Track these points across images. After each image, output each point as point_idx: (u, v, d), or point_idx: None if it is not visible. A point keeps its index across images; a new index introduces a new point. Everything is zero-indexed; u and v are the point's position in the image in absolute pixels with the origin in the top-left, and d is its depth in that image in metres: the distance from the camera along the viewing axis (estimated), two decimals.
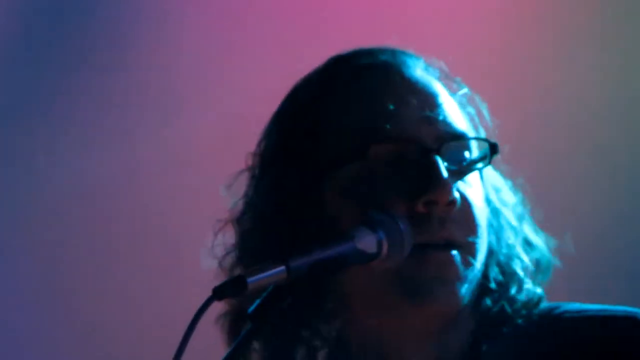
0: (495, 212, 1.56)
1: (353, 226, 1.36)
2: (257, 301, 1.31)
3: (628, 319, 1.46)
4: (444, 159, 1.46)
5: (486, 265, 1.50)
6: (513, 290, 1.51)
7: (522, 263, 1.54)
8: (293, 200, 1.50)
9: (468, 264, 1.45)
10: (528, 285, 1.52)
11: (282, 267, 1.29)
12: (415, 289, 1.42)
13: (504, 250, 1.53)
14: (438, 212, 1.43)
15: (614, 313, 1.48)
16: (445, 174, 1.44)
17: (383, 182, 1.46)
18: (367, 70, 1.55)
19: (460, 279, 1.44)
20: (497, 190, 1.59)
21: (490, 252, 1.51)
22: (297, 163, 1.52)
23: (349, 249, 1.33)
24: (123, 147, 3.64)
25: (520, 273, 1.52)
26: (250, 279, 1.28)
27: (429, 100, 1.50)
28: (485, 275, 1.51)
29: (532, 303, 1.52)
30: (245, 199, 1.58)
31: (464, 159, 1.50)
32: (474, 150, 1.52)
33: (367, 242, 1.35)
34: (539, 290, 1.54)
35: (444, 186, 1.43)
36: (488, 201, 1.55)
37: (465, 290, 1.45)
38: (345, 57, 1.59)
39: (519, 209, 1.59)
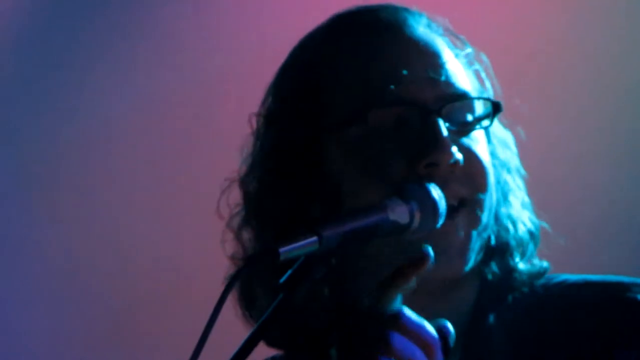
0: (502, 170, 1.55)
1: (386, 196, 1.35)
2: (289, 271, 1.31)
3: (631, 283, 1.47)
4: (445, 120, 1.45)
5: (492, 225, 1.50)
6: (517, 258, 1.51)
7: (526, 227, 1.53)
8: (296, 159, 1.50)
9: (476, 221, 1.45)
10: (531, 251, 1.53)
11: (315, 238, 1.27)
12: (441, 254, 1.41)
13: (510, 212, 1.53)
14: (440, 173, 1.42)
15: (617, 279, 1.49)
16: (445, 134, 1.42)
17: (385, 145, 1.45)
18: (369, 29, 1.53)
19: (463, 247, 1.44)
20: (504, 147, 1.58)
21: (497, 213, 1.51)
22: (300, 122, 1.51)
23: (382, 219, 1.32)
24: None
25: (525, 238, 1.52)
26: (282, 249, 1.27)
27: (431, 60, 1.49)
28: (490, 235, 1.50)
29: (537, 273, 1.52)
30: (249, 159, 1.58)
31: (466, 118, 1.48)
32: (478, 109, 1.50)
33: (399, 212, 1.33)
34: (544, 263, 1.54)
35: (444, 147, 1.42)
36: (495, 158, 1.54)
37: (468, 257, 1.45)
38: (347, 15, 1.57)
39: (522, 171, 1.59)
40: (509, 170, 1.56)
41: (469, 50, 1.56)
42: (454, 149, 1.43)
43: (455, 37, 1.56)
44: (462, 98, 1.48)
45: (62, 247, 3.62)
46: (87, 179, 3.45)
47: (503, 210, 1.51)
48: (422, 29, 1.53)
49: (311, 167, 1.49)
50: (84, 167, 3.47)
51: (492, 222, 1.49)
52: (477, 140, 1.48)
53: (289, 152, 1.50)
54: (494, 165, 1.51)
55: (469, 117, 1.49)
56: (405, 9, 1.55)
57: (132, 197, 3.54)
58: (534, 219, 1.56)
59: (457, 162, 1.43)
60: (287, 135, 1.51)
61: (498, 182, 1.51)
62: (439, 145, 1.42)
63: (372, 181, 1.45)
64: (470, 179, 1.45)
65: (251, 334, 1.30)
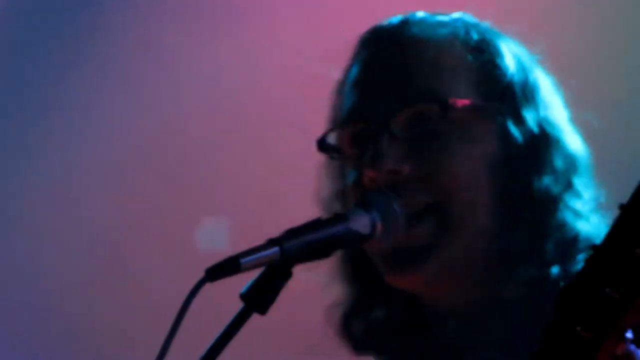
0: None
1: (347, 207, 1.35)
2: (250, 282, 1.31)
3: None
4: (399, 129, 1.42)
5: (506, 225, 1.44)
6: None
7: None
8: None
9: (449, 226, 1.42)
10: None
11: (276, 249, 1.28)
12: (389, 265, 1.44)
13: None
14: (383, 183, 1.40)
15: None
16: (384, 145, 1.42)
17: (345, 162, 1.48)
18: (360, 47, 1.53)
19: (427, 254, 1.42)
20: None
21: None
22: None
23: (343, 230, 1.32)
24: None
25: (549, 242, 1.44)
26: (243, 260, 1.27)
27: (396, 72, 1.46)
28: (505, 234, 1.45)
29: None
30: None
31: (422, 124, 1.44)
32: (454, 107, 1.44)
33: (361, 222, 1.33)
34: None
35: (376, 159, 1.41)
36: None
37: (435, 264, 1.42)
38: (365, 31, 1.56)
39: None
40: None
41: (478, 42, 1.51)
42: (395, 157, 1.41)
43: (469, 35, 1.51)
44: (413, 105, 1.44)
45: None
46: None
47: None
48: (413, 39, 1.50)
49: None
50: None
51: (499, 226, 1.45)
52: (446, 144, 1.43)
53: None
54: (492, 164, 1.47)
55: (426, 122, 1.44)
56: (406, 20, 1.52)
57: None
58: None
59: (393, 170, 1.41)
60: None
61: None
62: (373, 157, 1.41)
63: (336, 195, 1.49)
64: (430, 184, 1.42)
65: (211, 344, 1.30)
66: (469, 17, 1.53)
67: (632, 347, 1.01)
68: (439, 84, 1.45)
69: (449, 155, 1.43)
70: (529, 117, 1.45)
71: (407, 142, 1.42)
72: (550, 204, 1.43)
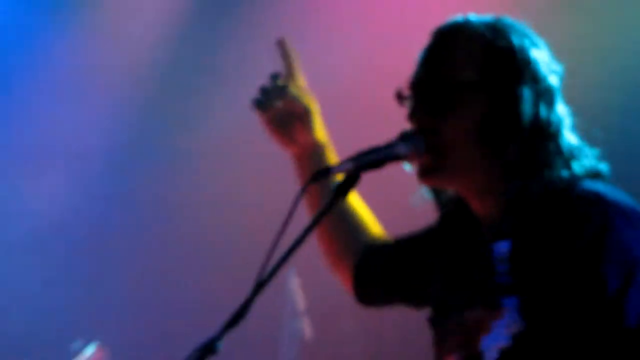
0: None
1: (395, 138, 2.19)
2: (337, 182, 2.16)
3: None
4: (422, 97, 2.21)
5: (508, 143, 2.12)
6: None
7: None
8: None
9: (437, 147, 2.17)
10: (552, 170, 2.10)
11: (352, 162, 2.16)
12: (419, 174, 2.22)
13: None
14: (417, 127, 2.20)
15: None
16: (415, 105, 2.21)
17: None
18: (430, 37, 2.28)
19: (428, 165, 2.19)
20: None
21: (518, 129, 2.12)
22: None
23: (391, 152, 2.17)
24: None
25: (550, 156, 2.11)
26: (333, 169, 2.17)
27: (432, 60, 2.24)
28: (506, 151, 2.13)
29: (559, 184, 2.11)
30: None
31: (441, 95, 2.18)
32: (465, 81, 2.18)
33: (401, 148, 2.17)
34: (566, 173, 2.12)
35: (414, 109, 2.21)
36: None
37: (437, 171, 2.18)
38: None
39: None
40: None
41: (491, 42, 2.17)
42: (421, 113, 2.20)
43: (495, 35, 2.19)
44: (437, 81, 2.20)
45: None
46: None
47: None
48: (457, 28, 2.23)
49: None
50: None
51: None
52: (459, 109, 2.16)
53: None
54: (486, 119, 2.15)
55: (444, 91, 2.19)
56: (455, 22, 2.24)
57: None
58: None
59: (419, 118, 2.20)
60: None
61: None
62: (412, 109, 2.23)
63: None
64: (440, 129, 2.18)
65: (308, 226, 2.11)
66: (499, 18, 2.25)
67: None
68: (456, 67, 2.21)
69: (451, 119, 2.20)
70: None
71: (430, 105, 2.21)
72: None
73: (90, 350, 4.81)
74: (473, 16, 2.24)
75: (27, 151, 5.71)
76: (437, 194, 2.31)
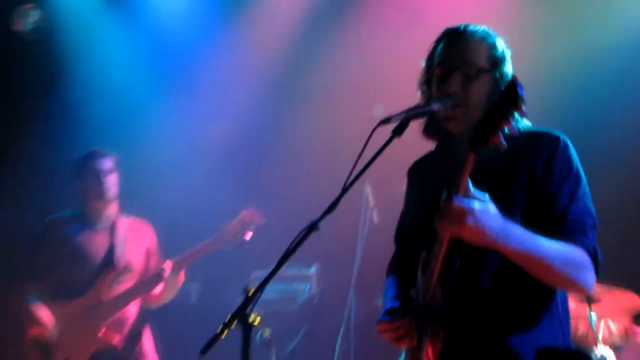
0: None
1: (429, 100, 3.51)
2: (394, 126, 3.46)
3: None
4: (459, 73, 3.46)
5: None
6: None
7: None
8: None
9: (461, 104, 3.44)
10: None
11: (404, 114, 3.44)
12: (444, 121, 3.52)
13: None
14: (445, 93, 3.47)
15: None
16: (450, 78, 3.49)
17: (436, 82, 3.54)
18: (443, 35, 3.59)
19: (456, 114, 3.45)
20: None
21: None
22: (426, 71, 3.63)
23: (429, 108, 3.44)
24: None
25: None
26: (392, 118, 3.43)
27: (458, 47, 3.50)
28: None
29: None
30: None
31: (470, 72, 3.46)
32: (475, 69, 3.46)
33: (434, 105, 3.43)
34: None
35: (448, 82, 3.46)
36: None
37: (459, 117, 3.45)
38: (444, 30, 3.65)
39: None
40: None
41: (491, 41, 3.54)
42: (452, 82, 3.46)
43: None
44: (466, 66, 3.46)
45: None
46: None
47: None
48: (468, 33, 3.47)
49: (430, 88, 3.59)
50: None
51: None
52: (477, 82, 3.46)
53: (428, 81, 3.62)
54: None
55: (469, 72, 3.46)
56: (466, 25, 3.51)
57: None
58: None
59: (450, 88, 3.45)
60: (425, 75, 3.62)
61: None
62: (445, 81, 3.49)
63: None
64: (462, 96, 3.45)
65: (376, 153, 3.41)
66: (488, 29, 3.57)
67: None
68: (475, 58, 3.49)
69: (475, 86, 3.47)
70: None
71: (460, 79, 3.47)
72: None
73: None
74: (471, 25, 3.52)
75: None
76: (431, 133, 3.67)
